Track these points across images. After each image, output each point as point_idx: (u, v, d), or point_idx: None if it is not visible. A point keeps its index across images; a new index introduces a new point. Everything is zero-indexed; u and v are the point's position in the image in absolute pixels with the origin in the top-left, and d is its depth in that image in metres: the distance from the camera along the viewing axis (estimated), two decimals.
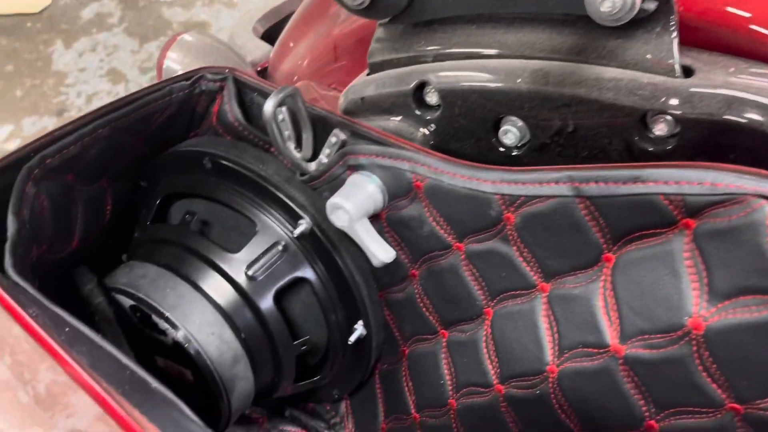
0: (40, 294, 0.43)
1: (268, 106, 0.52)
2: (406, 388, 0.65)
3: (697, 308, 0.40)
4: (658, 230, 0.42)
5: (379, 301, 0.63)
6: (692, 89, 0.45)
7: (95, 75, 1.92)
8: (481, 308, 0.55)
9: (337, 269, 0.60)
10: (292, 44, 0.93)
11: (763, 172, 0.38)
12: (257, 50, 1.02)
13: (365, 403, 0.71)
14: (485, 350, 0.56)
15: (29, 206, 0.51)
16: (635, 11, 0.43)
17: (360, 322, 0.63)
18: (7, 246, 0.46)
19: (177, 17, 2.07)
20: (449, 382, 0.60)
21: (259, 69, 0.92)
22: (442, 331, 0.60)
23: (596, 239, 0.45)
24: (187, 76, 0.61)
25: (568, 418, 0.51)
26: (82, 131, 0.55)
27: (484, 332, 0.56)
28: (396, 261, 0.58)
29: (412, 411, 0.65)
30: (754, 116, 0.44)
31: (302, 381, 0.66)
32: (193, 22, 2.06)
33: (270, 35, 1.05)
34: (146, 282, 0.59)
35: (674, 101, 0.45)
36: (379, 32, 0.60)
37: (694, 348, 0.41)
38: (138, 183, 0.68)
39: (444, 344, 0.60)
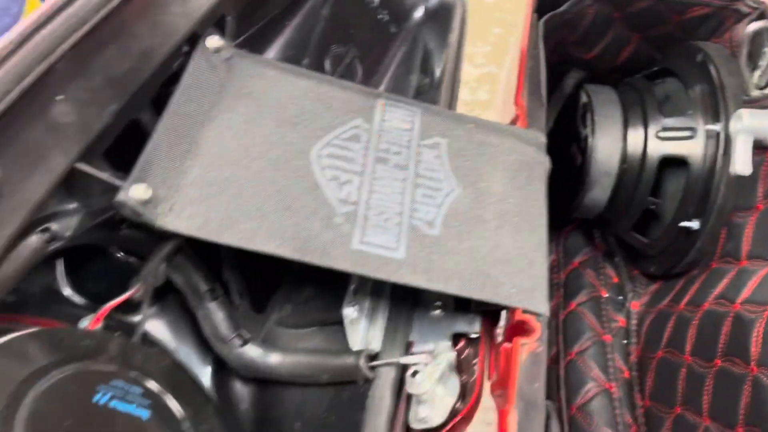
0: None
1: (748, 29, 0.69)
2: (688, 295, 0.80)
3: None
4: None
5: (723, 218, 0.77)
6: None
7: None
8: None
9: (712, 174, 0.77)
10: None
11: None
12: None
13: (666, 289, 0.88)
14: None
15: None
16: None
17: (696, 221, 0.79)
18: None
19: None
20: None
21: None
22: (743, 262, 0.72)
23: None
24: None
25: None
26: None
27: None
28: (754, 188, 0.72)
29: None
30: None
31: (635, 233, 0.87)
32: None
33: None
34: (600, 97, 0.86)
35: None
36: None
37: None
38: (654, 55, 0.93)
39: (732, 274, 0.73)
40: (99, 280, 0.55)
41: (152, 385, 0.41)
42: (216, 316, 0.54)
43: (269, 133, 0.51)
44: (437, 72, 0.78)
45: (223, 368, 0.58)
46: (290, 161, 0.50)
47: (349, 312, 0.53)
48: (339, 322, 0.55)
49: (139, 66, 0.47)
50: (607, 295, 0.94)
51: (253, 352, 0.55)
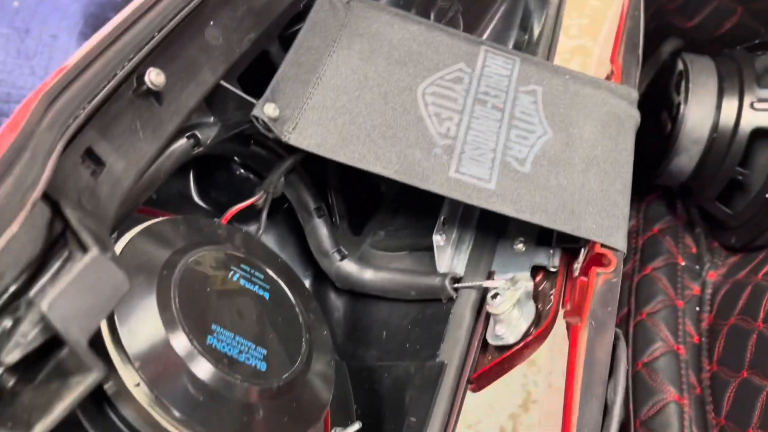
0: None
1: None
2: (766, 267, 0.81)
3: None
4: None
5: None
6: None
7: None
8: None
9: None
10: None
11: None
12: None
13: (745, 262, 0.89)
14: None
15: None
16: None
17: None
18: None
19: None
20: None
21: None
22: None
23: None
24: None
25: None
26: None
27: None
28: None
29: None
30: None
31: (719, 203, 0.88)
32: None
33: None
34: (697, 66, 0.87)
35: None
36: None
37: None
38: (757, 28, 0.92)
39: None
40: (221, 192, 0.63)
41: (272, 273, 0.48)
42: (320, 231, 0.61)
43: (381, 70, 0.56)
44: (536, 31, 0.81)
45: (320, 281, 0.65)
46: (398, 96, 0.55)
47: (438, 239, 0.58)
48: (426, 249, 0.61)
49: (275, 1, 0.54)
50: (684, 264, 0.95)
51: (349, 266, 0.61)
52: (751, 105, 0.81)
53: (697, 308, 0.90)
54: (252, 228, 0.63)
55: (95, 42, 0.37)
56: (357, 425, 0.52)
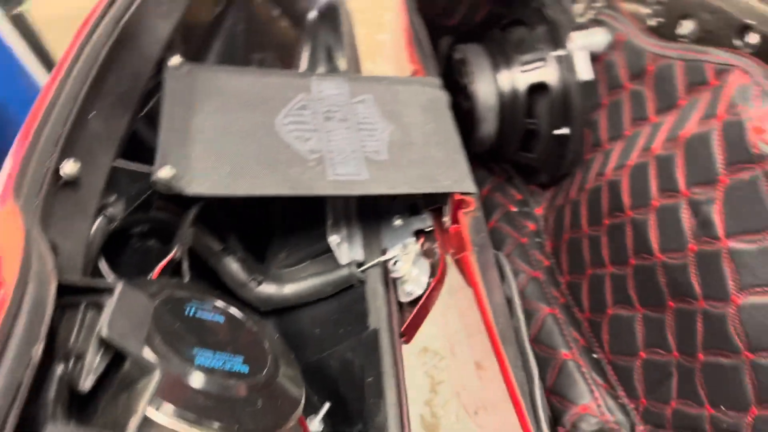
0: None
1: None
2: (574, 186, 1.02)
3: None
4: None
5: (585, 118, 1.00)
6: None
7: None
8: None
9: (568, 87, 0.99)
10: None
11: None
12: None
13: (558, 191, 1.10)
14: None
15: None
16: None
17: (566, 128, 1.01)
18: None
19: None
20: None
21: None
22: (605, 145, 0.94)
23: None
24: None
25: None
26: None
27: None
28: (597, 89, 0.94)
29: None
30: None
31: (523, 152, 1.08)
32: None
33: None
34: (470, 52, 1.07)
35: None
36: None
37: None
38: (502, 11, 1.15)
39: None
40: (129, 266, 0.68)
41: (218, 303, 0.55)
42: (232, 267, 0.68)
43: (237, 116, 0.66)
44: (340, 60, 0.96)
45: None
46: (261, 132, 0.65)
47: (333, 239, 0.69)
48: (324, 252, 0.71)
49: (134, 84, 0.61)
50: (515, 210, 1.14)
51: (268, 288, 0.70)
52: (520, 70, 1.02)
53: (537, 239, 1.10)
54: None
55: (25, 146, 0.44)
56: (327, 405, 0.61)
